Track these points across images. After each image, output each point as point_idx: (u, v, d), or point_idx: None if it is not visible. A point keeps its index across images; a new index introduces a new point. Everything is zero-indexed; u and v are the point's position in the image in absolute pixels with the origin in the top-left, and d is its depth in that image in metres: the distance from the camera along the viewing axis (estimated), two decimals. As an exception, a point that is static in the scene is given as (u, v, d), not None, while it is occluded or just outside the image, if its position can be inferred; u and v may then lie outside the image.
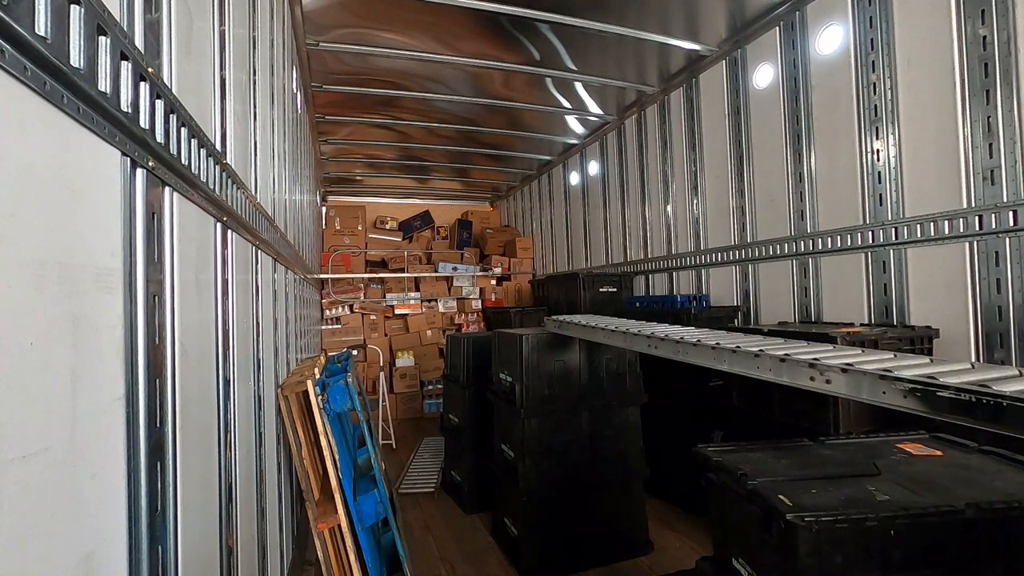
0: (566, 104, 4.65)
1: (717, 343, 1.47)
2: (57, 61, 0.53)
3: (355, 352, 5.88)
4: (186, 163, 0.92)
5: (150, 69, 0.76)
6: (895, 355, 1.23)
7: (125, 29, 0.71)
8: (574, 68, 3.93)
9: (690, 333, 1.76)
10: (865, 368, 1.05)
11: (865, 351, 1.26)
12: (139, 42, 0.76)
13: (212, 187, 1.10)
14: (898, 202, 2.53)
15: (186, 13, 0.99)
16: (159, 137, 0.80)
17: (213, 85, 1.23)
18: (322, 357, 2.83)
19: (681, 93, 4.13)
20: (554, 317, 2.75)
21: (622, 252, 5.00)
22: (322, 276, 6.20)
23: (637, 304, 3.98)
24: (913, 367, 1.05)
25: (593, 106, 4.74)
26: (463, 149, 5.84)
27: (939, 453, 1.57)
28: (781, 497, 1.25)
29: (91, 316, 0.63)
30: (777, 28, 3.22)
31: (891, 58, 2.54)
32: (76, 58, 0.57)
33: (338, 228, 6.75)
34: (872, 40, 2.62)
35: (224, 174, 1.20)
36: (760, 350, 1.32)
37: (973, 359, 2.22)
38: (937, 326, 2.35)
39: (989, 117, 2.14)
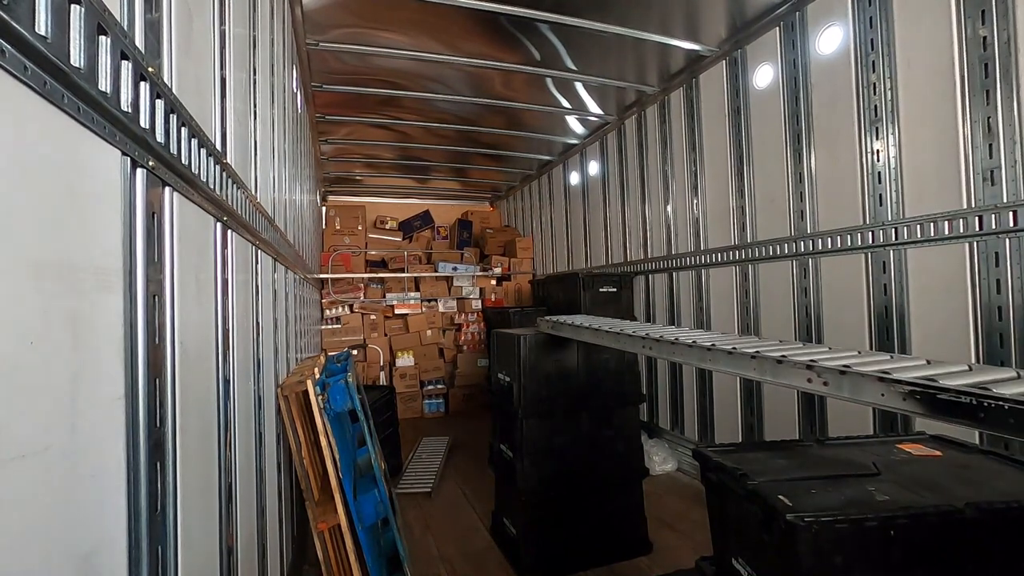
0: (566, 104, 4.65)
1: (712, 344, 1.47)
2: (57, 60, 0.53)
3: (355, 352, 5.89)
4: (186, 163, 0.92)
5: (150, 69, 0.76)
6: (892, 356, 1.23)
7: (125, 29, 0.71)
8: (574, 68, 3.93)
9: (684, 334, 1.76)
10: (863, 370, 1.05)
11: (862, 352, 1.26)
12: (139, 42, 0.76)
13: (212, 187, 1.10)
14: (898, 202, 2.53)
15: (186, 13, 0.99)
16: (159, 137, 0.80)
17: (213, 85, 1.23)
18: (322, 357, 2.83)
19: (681, 93, 4.13)
20: (548, 317, 2.75)
21: (622, 252, 5.00)
22: (322, 276, 6.20)
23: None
24: (911, 368, 1.05)
25: (593, 106, 4.74)
26: (463, 149, 5.84)
27: (939, 453, 1.57)
28: (781, 497, 1.25)
29: (91, 316, 0.63)
30: (777, 28, 3.22)
31: (891, 58, 2.54)
32: (76, 58, 0.57)
33: (338, 228, 6.74)
34: (872, 40, 2.62)
35: (224, 174, 1.20)
36: (756, 351, 1.31)
37: (973, 360, 2.22)
38: (937, 326, 2.35)
39: (989, 117, 2.14)
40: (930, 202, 2.38)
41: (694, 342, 1.54)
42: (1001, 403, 0.82)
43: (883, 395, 1.00)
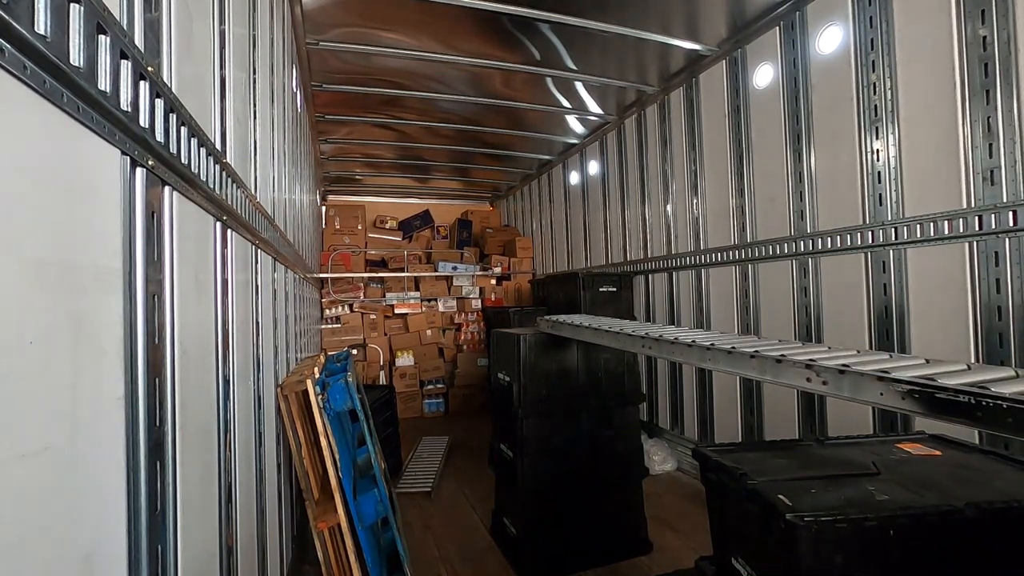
0: (566, 104, 4.65)
1: (712, 344, 1.47)
2: (57, 60, 0.53)
3: (355, 352, 5.89)
4: (186, 162, 0.92)
5: (150, 68, 0.76)
6: (891, 355, 1.23)
7: (125, 28, 0.71)
8: (574, 68, 3.93)
9: (684, 334, 1.76)
10: (862, 369, 1.05)
11: (861, 352, 1.26)
12: (139, 41, 0.76)
13: (212, 186, 1.10)
14: (898, 202, 2.53)
15: (186, 12, 0.99)
16: (159, 136, 0.80)
17: (213, 84, 1.23)
18: (322, 356, 2.83)
19: (681, 93, 4.13)
20: (547, 317, 2.75)
21: (622, 252, 5.00)
22: (322, 275, 6.20)
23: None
24: (910, 368, 1.05)
25: (593, 106, 4.74)
26: (463, 149, 5.84)
27: (938, 453, 1.57)
28: (781, 497, 1.25)
29: (91, 316, 0.63)
30: (777, 28, 3.22)
31: (891, 58, 2.54)
32: (76, 57, 0.57)
33: (338, 227, 6.74)
34: (872, 40, 2.62)
35: (224, 173, 1.20)
36: (756, 351, 1.31)
37: (972, 359, 2.22)
38: (936, 326, 2.35)
39: (989, 117, 2.14)
40: (930, 202, 2.38)
41: (694, 341, 1.54)
42: (999, 402, 0.82)
43: (882, 394, 1.00)
